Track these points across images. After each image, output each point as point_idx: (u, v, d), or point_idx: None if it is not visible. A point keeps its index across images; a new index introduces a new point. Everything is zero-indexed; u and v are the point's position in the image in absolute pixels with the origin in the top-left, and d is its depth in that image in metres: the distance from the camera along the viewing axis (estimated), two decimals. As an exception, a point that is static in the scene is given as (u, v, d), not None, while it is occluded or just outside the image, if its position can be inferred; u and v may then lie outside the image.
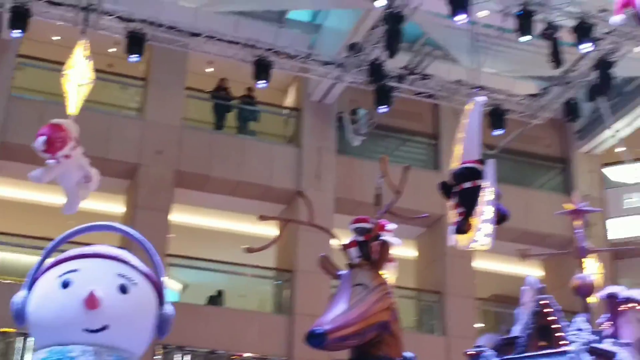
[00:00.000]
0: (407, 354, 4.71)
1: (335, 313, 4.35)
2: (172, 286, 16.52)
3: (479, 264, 17.24)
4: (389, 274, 5.57)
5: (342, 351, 4.58)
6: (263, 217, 5.20)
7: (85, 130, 10.35)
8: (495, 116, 15.84)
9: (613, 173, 18.73)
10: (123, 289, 3.60)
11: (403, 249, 14.28)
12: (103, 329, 3.50)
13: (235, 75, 16.68)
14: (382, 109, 15.38)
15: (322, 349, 4.30)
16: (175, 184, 15.61)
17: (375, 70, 14.96)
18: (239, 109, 17.30)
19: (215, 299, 16.10)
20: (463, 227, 7.80)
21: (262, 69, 14.73)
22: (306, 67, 15.64)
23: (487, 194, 7.64)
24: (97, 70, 11.55)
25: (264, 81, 14.77)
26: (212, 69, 17.41)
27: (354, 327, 4.34)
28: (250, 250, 5.13)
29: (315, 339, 4.23)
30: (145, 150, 15.46)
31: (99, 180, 10.15)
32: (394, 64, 15.28)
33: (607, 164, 18.70)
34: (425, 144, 18.19)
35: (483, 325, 16.83)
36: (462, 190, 7.95)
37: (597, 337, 6.68)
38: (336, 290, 4.60)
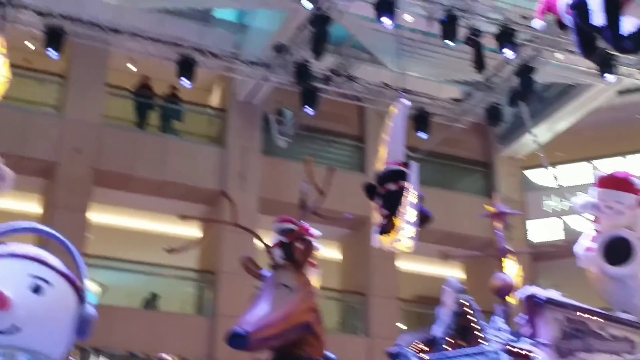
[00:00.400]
0: (329, 354, 4.69)
1: (258, 314, 4.30)
2: (90, 287, 16.12)
3: (402, 265, 17.41)
4: (312, 280, 5.53)
5: (263, 352, 4.53)
6: (184, 217, 5.09)
7: (0, 127, 9.99)
8: (420, 119, 16.03)
9: (533, 176, 19.21)
10: (36, 290, 3.52)
11: (327, 251, 14.28)
12: (13, 330, 3.38)
13: (158, 74, 16.41)
14: (308, 110, 15.38)
15: (243, 350, 4.24)
16: (95, 183, 15.26)
17: (302, 72, 14.95)
18: (162, 107, 17.04)
19: (150, 303, 15.85)
20: (387, 229, 7.84)
21: (186, 67, 14.54)
22: (232, 66, 15.51)
23: (411, 196, 7.71)
24: (14, 66, 11.18)
25: (188, 80, 14.59)
26: (134, 67, 17.08)
27: (276, 328, 4.30)
28: (171, 251, 5.03)
29: (237, 340, 4.16)
30: (63, 148, 15.05)
31: (14, 179, 9.79)
32: (320, 66, 15.29)
33: (527, 168, 19.17)
34: (351, 146, 18.26)
35: (406, 326, 17.00)
36: (387, 192, 7.99)
37: (515, 337, 6.79)
38: (259, 292, 4.55)
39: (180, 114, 17.14)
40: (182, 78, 14.57)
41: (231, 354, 4.87)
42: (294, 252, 4.75)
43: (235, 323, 4.30)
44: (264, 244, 4.95)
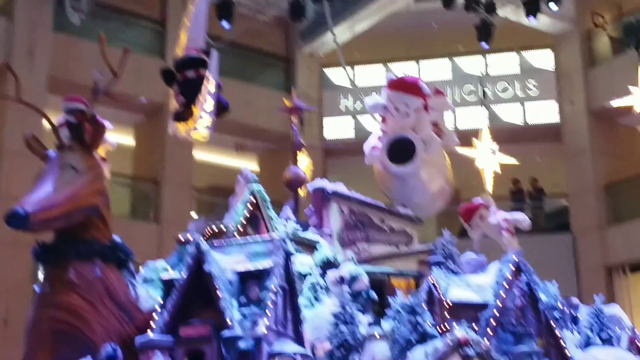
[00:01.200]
0: (116, 238, 4.64)
1: (40, 195, 4.14)
2: None
3: (198, 154, 17.39)
4: (100, 162, 5.37)
5: (47, 233, 4.40)
6: (-38, 89, 4.71)
7: None
8: (224, 7, 15.73)
9: (332, 75, 19.65)
10: None
11: (121, 136, 13.92)
12: None
13: None
14: (106, -14, 14.60)
15: (24, 231, 4.09)
16: None
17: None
18: (-60, -31, 15.46)
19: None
20: (183, 116, 7.73)
21: None
22: None
23: (210, 85, 7.61)
24: None
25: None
26: None
27: (60, 209, 4.17)
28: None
29: (17, 220, 4.00)
30: None
31: None
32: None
33: (326, 66, 19.55)
34: (151, 29, 17.64)
35: (198, 215, 17.15)
36: (185, 79, 7.83)
37: (302, 228, 7.09)
38: (42, 171, 4.36)
39: (-39, -22, 15.64)
40: (-35, -63, 13.22)
41: (13, 236, 4.69)
42: (83, 133, 4.58)
43: (17, 203, 4.12)
44: (50, 122, 4.74)
